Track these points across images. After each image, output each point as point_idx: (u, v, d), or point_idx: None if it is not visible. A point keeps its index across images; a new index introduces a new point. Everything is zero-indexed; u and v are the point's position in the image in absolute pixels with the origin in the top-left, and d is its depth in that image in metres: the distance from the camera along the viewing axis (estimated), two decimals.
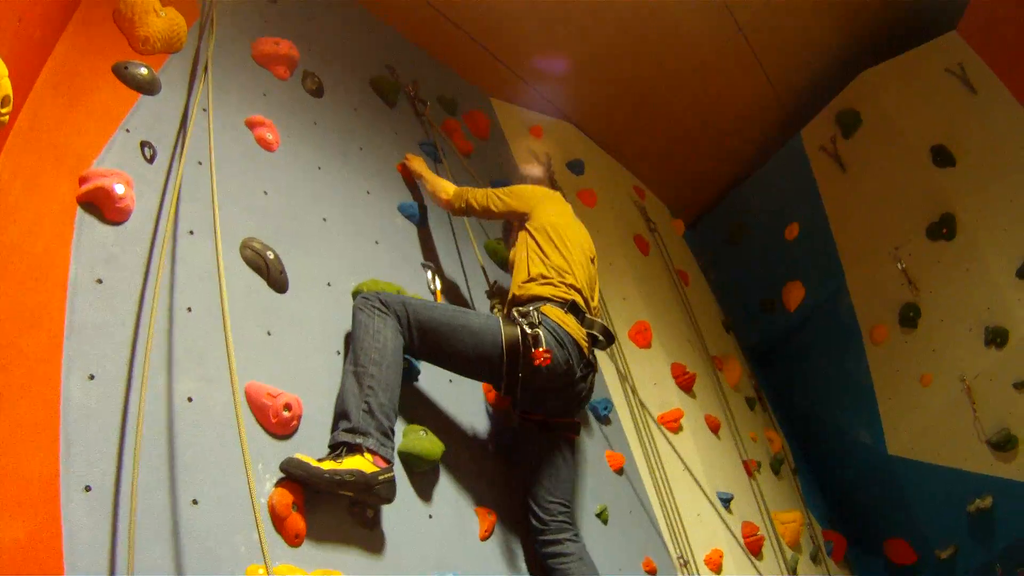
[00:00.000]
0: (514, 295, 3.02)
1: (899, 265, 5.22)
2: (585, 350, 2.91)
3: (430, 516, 2.63)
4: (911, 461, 5.02)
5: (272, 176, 2.91)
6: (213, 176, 2.34)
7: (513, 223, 3.53)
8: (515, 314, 2.80)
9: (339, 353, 2.70)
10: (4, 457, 1.70)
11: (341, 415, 2.38)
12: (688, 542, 3.64)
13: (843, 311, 5.58)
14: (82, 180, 2.22)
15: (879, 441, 5.21)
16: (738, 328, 6.19)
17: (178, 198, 2.38)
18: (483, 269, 3.61)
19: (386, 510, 2.44)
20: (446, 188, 3.39)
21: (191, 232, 2.44)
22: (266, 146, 2.96)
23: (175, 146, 2.57)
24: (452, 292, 3.49)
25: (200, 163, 2.59)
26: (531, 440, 3.01)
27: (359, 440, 2.29)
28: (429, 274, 3.35)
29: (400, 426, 2.64)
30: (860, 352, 5.44)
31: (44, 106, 2.29)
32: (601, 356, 3.82)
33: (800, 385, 6.05)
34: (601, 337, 3.01)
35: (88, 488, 1.79)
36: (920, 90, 5.28)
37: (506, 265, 3.80)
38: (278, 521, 2.12)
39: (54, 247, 2.08)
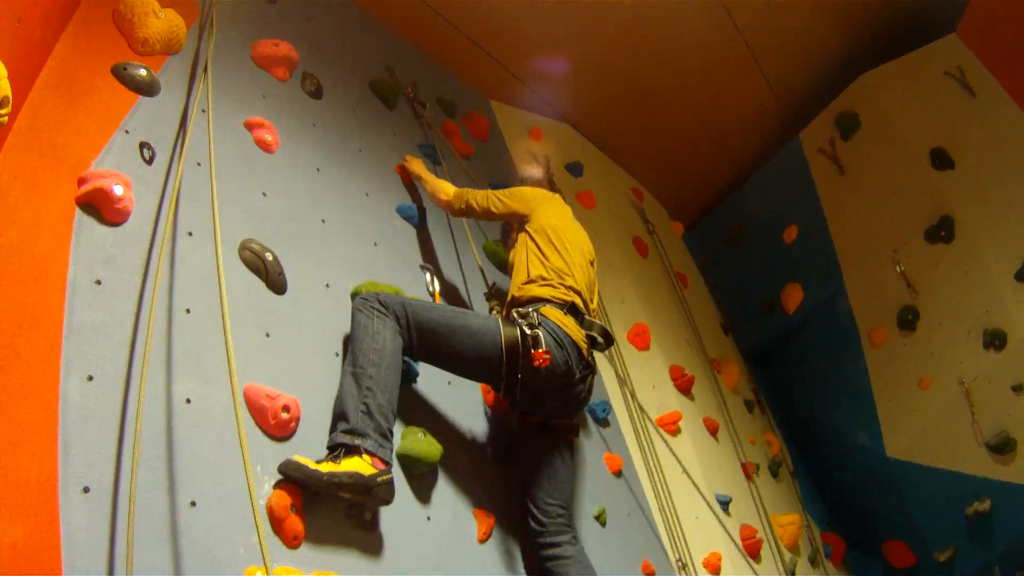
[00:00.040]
0: (513, 296, 3.02)
1: (898, 268, 5.22)
2: (584, 352, 2.91)
3: (428, 518, 2.63)
4: (910, 463, 5.02)
5: (271, 177, 2.91)
6: (213, 177, 2.34)
7: (512, 225, 3.53)
8: (514, 315, 2.80)
9: (338, 355, 2.69)
10: (2, 458, 1.70)
11: (339, 416, 2.38)
12: (686, 545, 3.64)
13: (842, 313, 5.58)
14: (81, 181, 2.22)
15: (878, 443, 5.21)
16: (737, 330, 6.20)
17: (177, 199, 2.38)
18: (482, 271, 3.61)
19: (384, 512, 2.44)
20: (446, 189, 3.40)
21: (190, 233, 2.44)
22: (265, 148, 2.96)
23: (174, 147, 2.57)
24: (451, 294, 3.49)
25: (199, 164, 2.59)
26: (530, 442, 3.01)
27: (357, 441, 2.29)
28: (428, 276, 3.35)
29: (398, 428, 2.64)
30: (859, 354, 5.45)
31: (43, 107, 2.28)
32: (599, 358, 3.82)
33: (799, 387, 6.05)
34: (600, 339, 3.01)
35: (87, 489, 1.79)
36: (919, 93, 5.29)
37: (505, 267, 3.80)
38: (276, 523, 2.11)
39: (53, 248, 2.07)
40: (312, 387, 2.51)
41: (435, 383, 2.97)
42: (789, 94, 5.87)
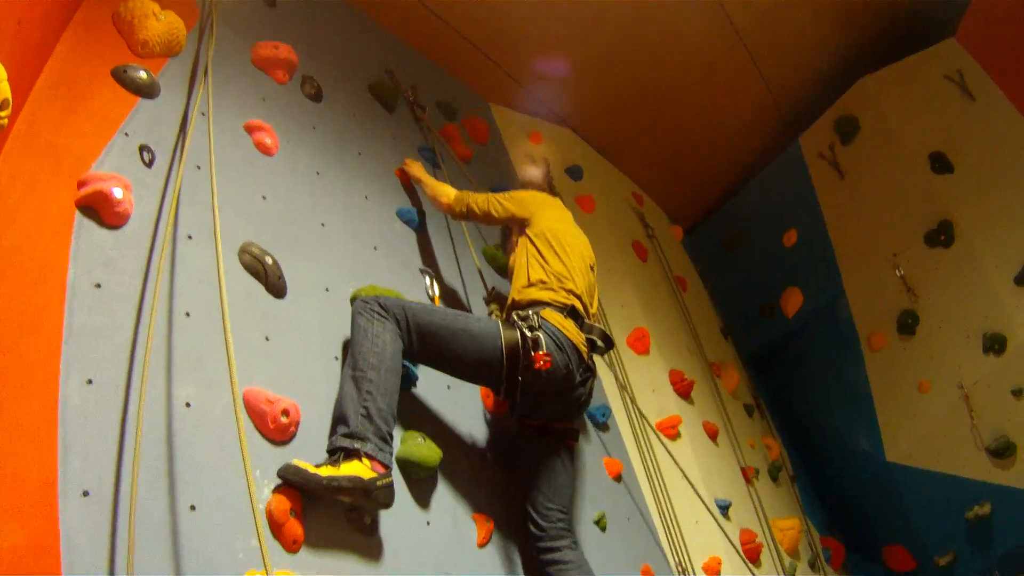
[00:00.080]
0: (514, 299, 3.02)
1: (897, 272, 5.22)
2: (584, 355, 2.91)
3: (428, 523, 2.62)
4: (910, 468, 5.01)
5: (271, 181, 2.90)
6: (212, 180, 2.33)
7: (512, 229, 3.53)
8: (515, 318, 2.80)
9: (337, 359, 2.69)
10: (2, 461, 1.70)
11: (339, 420, 2.37)
12: (686, 549, 3.63)
13: (841, 318, 5.58)
14: (81, 184, 2.22)
15: (877, 448, 5.20)
16: (736, 334, 6.19)
17: (177, 202, 2.38)
18: (481, 275, 3.61)
19: (384, 516, 2.43)
20: (447, 192, 3.40)
21: (190, 236, 2.44)
22: (265, 151, 2.96)
23: (174, 150, 2.57)
24: (450, 298, 3.49)
25: (199, 167, 2.59)
26: (530, 446, 3.00)
27: (357, 445, 2.28)
28: (427, 280, 3.34)
29: (398, 432, 2.64)
30: (858, 359, 5.44)
31: (43, 109, 2.28)
32: (599, 362, 3.81)
33: (798, 392, 6.04)
34: (600, 342, 3.01)
35: (86, 493, 1.78)
36: (919, 97, 5.29)
37: (504, 271, 3.79)
38: (276, 527, 2.10)
39: (52, 251, 2.07)
40: (312, 391, 2.50)
41: (434, 387, 2.96)
42: (788, 98, 5.87)
